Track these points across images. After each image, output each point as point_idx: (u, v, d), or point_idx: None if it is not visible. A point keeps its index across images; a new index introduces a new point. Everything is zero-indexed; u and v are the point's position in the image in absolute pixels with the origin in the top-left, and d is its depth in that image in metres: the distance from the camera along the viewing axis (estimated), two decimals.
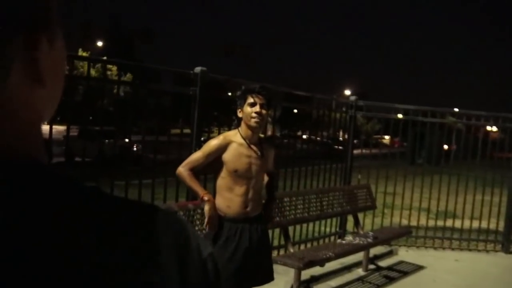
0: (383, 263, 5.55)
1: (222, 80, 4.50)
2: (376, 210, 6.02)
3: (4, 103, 0.40)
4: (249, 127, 2.81)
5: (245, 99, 2.80)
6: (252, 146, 2.84)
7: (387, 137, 9.99)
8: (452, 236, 6.64)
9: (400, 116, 6.80)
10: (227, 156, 2.79)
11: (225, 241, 2.79)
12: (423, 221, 6.70)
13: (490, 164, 7.17)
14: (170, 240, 0.44)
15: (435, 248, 6.44)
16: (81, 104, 7.00)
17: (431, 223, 6.74)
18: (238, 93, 2.90)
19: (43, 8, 0.43)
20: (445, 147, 8.01)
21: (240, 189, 2.80)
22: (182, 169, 2.85)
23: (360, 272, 5.12)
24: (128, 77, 16.75)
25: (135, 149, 14.06)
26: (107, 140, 13.38)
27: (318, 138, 6.82)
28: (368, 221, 6.30)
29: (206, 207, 2.82)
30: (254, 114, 2.76)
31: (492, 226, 6.70)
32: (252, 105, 2.78)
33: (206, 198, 2.83)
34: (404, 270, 5.33)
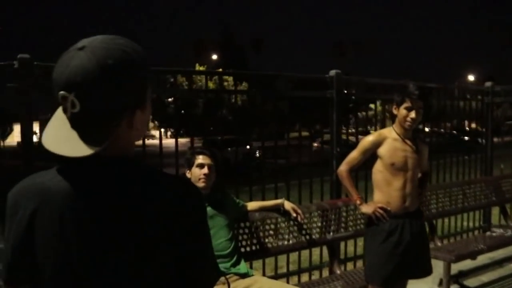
0: None
1: (355, 81, 4.62)
2: None
3: (117, 138, 0.96)
4: (403, 127, 2.93)
5: (402, 100, 2.91)
6: (407, 141, 2.94)
7: None
8: None
9: None
10: (383, 150, 2.93)
11: (387, 237, 2.92)
12: None
13: None
14: (190, 202, 1.01)
15: None
16: (202, 115, 7.52)
17: None
18: (397, 90, 3.00)
19: (141, 95, 0.99)
20: None
21: (398, 183, 2.92)
22: (343, 169, 3.04)
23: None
24: (244, 85, 17.46)
25: (257, 155, 14.67)
26: (229, 148, 14.18)
27: (442, 130, 6.55)
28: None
29: (365, 209, 2.98)
30: (409, 119, 2.87)
31: None
32: (409, 109, 2.88)
33: (358, 202, 3.02)
34: None
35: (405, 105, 2.90)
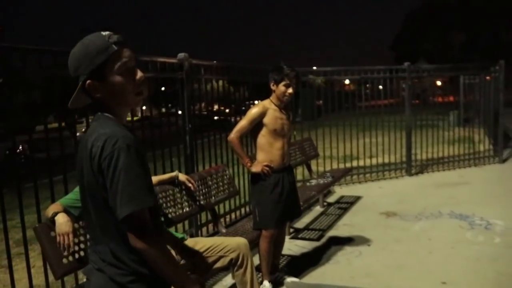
0: (330, 199, 6.77)
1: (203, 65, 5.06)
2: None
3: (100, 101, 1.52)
4: (279, 99, 3.59)
5: (281, 79, 3.55)
6: (282, 111, 3.63)
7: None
8: (371, 170, 8.13)
9: None
10: (267, 119, 3.54)
11: (273, 188, 3.58)
12: (334, 166, 7.94)
13: (356, 113, 8.28)
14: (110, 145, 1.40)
15: (360, 183, 7.87)
16: None
17: (341, 166, 8.15)
18: (274, 70, 3.61)
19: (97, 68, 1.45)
20: (318, 103, 9.10)
21: (278, 144, 3.60)
22: (234, 136, 3.54)
23: (319, 208, 6.24)
24: None
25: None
26: None
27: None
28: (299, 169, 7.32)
29: (254, 168, 3.56)
30: (287, 94, 3.56)
31: (392, 159, 8.40)
32: (287, 86, 3.55)
33: (249, 164, 3.59)
34: (349, 201, 6.59)
35: (283, 82, 3.57)
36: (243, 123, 3.58)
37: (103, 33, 1.46)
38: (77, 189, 2.75)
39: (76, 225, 2.64)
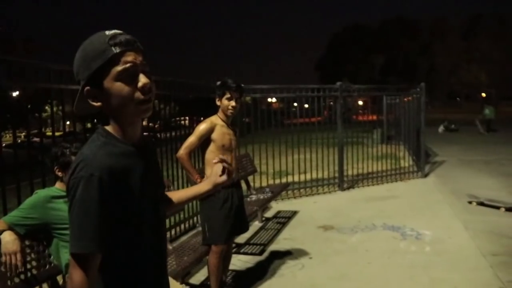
0: (268, 214, 6.85)
1: None
2: None
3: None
4: (225, 114, 3.63)
5: (223, 93, 3.59)
6: (230, 127, 3.67)
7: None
8: (305, 186, 8.35)
9: None
10: (215, 135, 3.56)
11: (222, 204, 3.58)
12: (270, 181, 8.05)
13: (284, 130, 8.52)
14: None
15: (295, 198, 8.04)
16: None
17: (276, 181, 8.32)
18: (218, 85, 3.64)
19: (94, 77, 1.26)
20: (246, 120, 9.24)
21: (227, 160, 3.61)
22: (183, 152, 3.52)
23: (257, 224, 6.29)
24: None
25: None
26: None
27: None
28: None
29: (206, 185, 3.54)
30: (230, 107, 3.59)
31: (325, 175, 8.70)
32: (229, 99, 3.59)
33: (199, 180, 3.57)
34: (286, 216, 6.71)
35: (226, 96, 3.61)
36: (191, 139, 3.57)
37: (107, 32, 1.27)
38: (23, 205, 2.61)
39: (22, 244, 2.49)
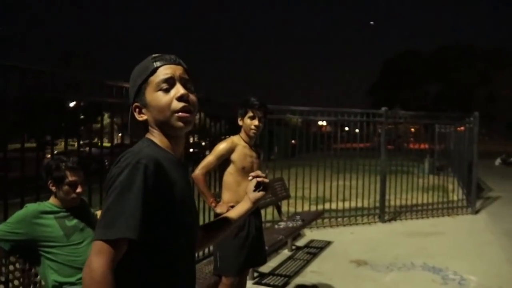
0: (300, 243, 6.46)
1: None
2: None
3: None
4: (248, 135, 3.34)
5: (245, 112, 3.31)
6: (252, 148, 3.38)
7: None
8: (343, 215, 7.88)
9: None
10: (235, 156, 3.28)
11: (237, 232, 3.27)
12: (306, 207, 7.68)
13: (330, 154, 8.16)
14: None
15: (331, 227, 7.59)
16: None
17: (313, 208, 7.90)
18: (240, 103, 3.38)
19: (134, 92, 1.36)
20: (293, 142, 9.03)
21: (246, 184, 3.30)
22: (199, 173, 3.25)
23: (287, 252, 5.92)
24: None
25: None
26: None
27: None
28: (268, 210, 7.05)
29: (219, 209, 3.26)
30: (253, 127, 3.30)
31: (365, 204, 8.20)
32: (252, 118, 3.31)
33: (213, 204, 3.30)
34: (319, 246, 6.29)
35: (248, 115, 3.33)
36: (209, 158, 3.31)
37: (154, 55, 1.37)
38: (11, 219, 2.42)
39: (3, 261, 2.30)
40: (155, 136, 1.35)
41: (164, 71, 1.32)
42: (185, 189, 1.34)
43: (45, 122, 3.83)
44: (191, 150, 6.71)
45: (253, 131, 3.33)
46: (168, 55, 1.36)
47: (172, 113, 1.30)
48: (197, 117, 5.96)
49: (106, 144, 4.22)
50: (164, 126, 1.33)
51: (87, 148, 4.78)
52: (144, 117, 1.35)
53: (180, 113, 1.31)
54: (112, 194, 1.17)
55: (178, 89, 1.32)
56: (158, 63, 1.33)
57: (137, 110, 1.36)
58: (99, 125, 4.22)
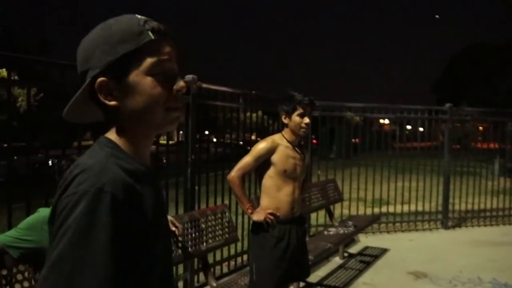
0: (353, 250, 6.01)
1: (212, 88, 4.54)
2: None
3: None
4: (295, 133, 2.99)
5: (294, 108, 2.96)
6: (296, 149, 3.02)
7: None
8: (402, 219, 7.31)
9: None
10: (276, 157, 2.94)
11: (276, 242, 2.93)
12: (362, 210, 7.21)
13: (392, 154, 7.55)
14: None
15: (388, 232, 7.06)
16: None
17: (369, 211, 7.39)
18: (285, 99, 3.03)
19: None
20: (354, 141, 8.55)
21: (288, 189, 2.97)
22: (235, 175, 2.94)
23: (338, 260, 5.50)
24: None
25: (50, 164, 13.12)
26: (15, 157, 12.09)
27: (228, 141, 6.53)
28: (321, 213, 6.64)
29: (256, 216, 2.94)
30: (303, 125, 2.95)
31: (426, 208, 7.55)
32: (302, 115, 2.95)
33: (250, 211, 2.98)
34: (374, 254, 5.81)
35: (297, 112, 2.97)
36: (247, 159, 2.98)
37: (138, 16, 0.96)
38: (22, 225, 2.24)
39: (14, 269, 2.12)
40: (123, 136, 0.96)
41: (164, 50, 0.94)
42: (158, 209, 0.97)
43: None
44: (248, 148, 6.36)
45: (304, 129, 2.98)
46: (163, 25, 0.96)
47: (165, 111, 0.94)
48: (254, 114, 5.77)
49: (162, 141, 4.11)
50: (144, 123, 0.96)
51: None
52: (113, 102, 0.93)
53: (176, 113, 0.97)
54: (63, 239, 0.78)
55: (179, 82, 0.97)
56: (155, 35, 0.93)
57: (103, 88, 0.92)
58: None
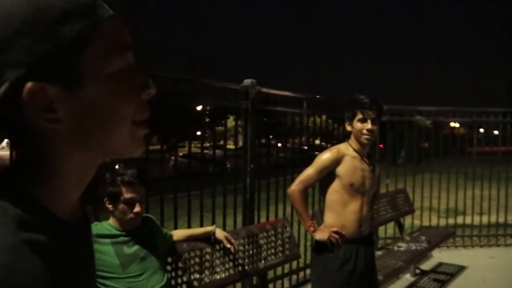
0: (425, 266, 5.49)
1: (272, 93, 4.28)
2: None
3: None
4: (359, 142, 2.66)
5: (354, 114, 2.64)
6: (365, 160, 2.69)
7: None
8: (480, 233, 6.66)
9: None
10: (341, 169, 2.62)
11: (341, 265, 2.62)
12: (434, 221, 6.64)
13: (465, 159, 7.14)
14: None
15: (464, 247, 6.44)
16: None
17: (442, 221, 6.78)
18: (347, 104, 2.73)
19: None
20: (424, 145, 8.02)
21: (355, 205, 2.65)
22: (296, 189, 2.66)
23: (409, 277, 5.03)
24: None
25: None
26: None
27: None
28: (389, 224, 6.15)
29: (319, 235, 2.64)
30: (365, 131, 2.62)
31: (509, 220, 6.82)
32: (363, 120, 2.62)
33: (312, 229, 2.68)
34: (449, 272, 5.28)
35: (357, 117, 2.65)
36: (309, 171, 2.68)
37: None
38: None
39: None
40: (47, 177, 0.58)
41: (127, 33, 0.61)
42: (82, 275, 0.62)
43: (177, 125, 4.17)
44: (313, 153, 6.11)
45: (366, 136, 2.64)
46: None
47: (131, 127, 0.61)
48: (318, 119, 5.49)
49: (231, 146, 3.99)
50: (99, 149, 0.61)
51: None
52: (55, 124, 0.55)
53: (143, 129, 0.63)
54: None
55: (150, 84, 0.64)
56: (107, 10, 0.58)
57: (38, 98, 0.53)
58: (223, 128, 4.27)
